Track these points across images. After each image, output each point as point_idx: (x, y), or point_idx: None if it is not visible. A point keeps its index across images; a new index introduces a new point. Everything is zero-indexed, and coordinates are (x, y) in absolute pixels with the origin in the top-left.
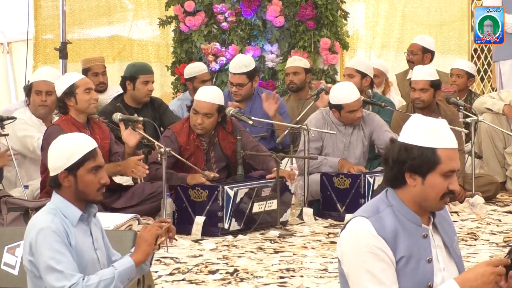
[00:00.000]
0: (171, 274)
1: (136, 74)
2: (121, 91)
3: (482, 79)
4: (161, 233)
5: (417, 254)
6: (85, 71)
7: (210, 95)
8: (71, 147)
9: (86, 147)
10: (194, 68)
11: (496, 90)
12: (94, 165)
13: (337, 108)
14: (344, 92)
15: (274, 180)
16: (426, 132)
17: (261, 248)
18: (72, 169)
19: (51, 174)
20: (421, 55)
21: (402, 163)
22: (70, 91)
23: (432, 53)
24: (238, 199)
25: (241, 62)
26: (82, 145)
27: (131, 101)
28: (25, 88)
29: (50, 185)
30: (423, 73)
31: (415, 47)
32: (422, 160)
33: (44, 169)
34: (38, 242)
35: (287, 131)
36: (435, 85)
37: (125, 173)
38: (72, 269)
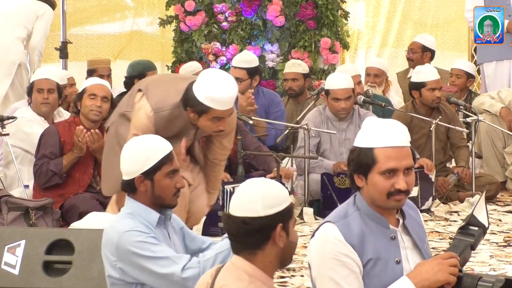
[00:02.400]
0: None
1: (144, 71)
2: (122, 90)
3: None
4: None
5: (385, 255)
6: (91, 72)
7: None
8: (147, 150)
9: (162, 151)
10: (189, 68)
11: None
12: (171, 169)
13: (326, 94)
14: (335, 79)
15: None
16: (365, 133)
17: None
18: (149, 173)
19: (125, 178)
20: (420, 53)
21: (349, 165)
22: (80, 95)
23: (432, 52)
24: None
25: (244, 58)
26: (158, 149)
27: None
28: (27, 87)
29: (123, 189)
30: (436, 73)
31: (415, 45)
32: (360, 161)
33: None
34: (125, 243)
35: (287, 131)
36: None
37: (79, 150)
38: (174, 253)
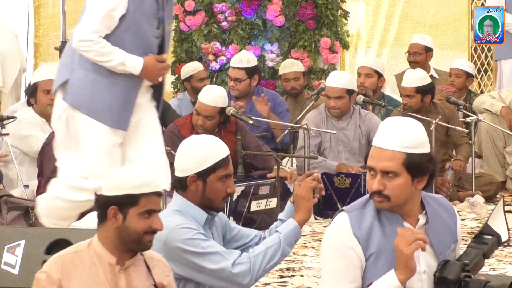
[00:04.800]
0: None
1: None
2: None
3: (482, 79)
4: (315, 185)
5: (390, 251)
6: None
7: (213, 97)
8: (204, 151)
9: (220, 154)
10: (190, 67)
11: (495, 90)
12: (225, 173)
13: (324, 90)
14: (330, 76)
15: (272, 179)
16: (378, 131)
17: None
18: (203, 174)
19: (178, 174)
20: (424, 54)
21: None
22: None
23: (432, 51)
24: (235, 197)
25: (243, 58)
26: (216, 151)
27: None
28: (29, 88)
29: (174, 185)
30: (409, 80)
31: (418, 47)
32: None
33: (41, 172)
34: (174, 240)
35: (287, 130)
36: (422, 90)
37: None
38: (224, 248)
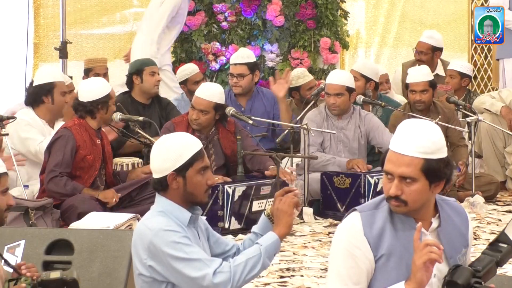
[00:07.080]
0: None
1: (141, 67)
2: (121, 90)
3: (482, 78)
4: (297, 201)
5: (401, 253)
6: (87, 71)
7: (208, 92)
8: (178, 147)
9: (194, 147)
10: (185, 71)
11: (497, 89)
12: (202, 166)
13: (324, 89)
14: (330, 74)
15: (273, 179)
16: (395, 134)
17: None
18: (182, 170)
19: (156, 176)
20: (430, 54)
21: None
22: (105, 102)
23: (441, 49)
24: (236, 197)
25: (244, 54)
26: (189, 145)
27: (140, 96)
28: (43, 88)
29: (154, 187)
30: (421, 75)
31: (424, 47)
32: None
33: (44, 170)
34: (158, 242)
35: (287, 130)
36: (433, 84)
37: (104, 200)
38: (207, 255)
